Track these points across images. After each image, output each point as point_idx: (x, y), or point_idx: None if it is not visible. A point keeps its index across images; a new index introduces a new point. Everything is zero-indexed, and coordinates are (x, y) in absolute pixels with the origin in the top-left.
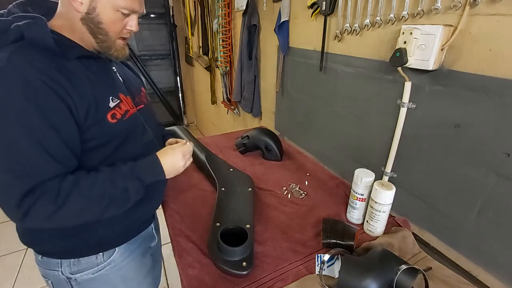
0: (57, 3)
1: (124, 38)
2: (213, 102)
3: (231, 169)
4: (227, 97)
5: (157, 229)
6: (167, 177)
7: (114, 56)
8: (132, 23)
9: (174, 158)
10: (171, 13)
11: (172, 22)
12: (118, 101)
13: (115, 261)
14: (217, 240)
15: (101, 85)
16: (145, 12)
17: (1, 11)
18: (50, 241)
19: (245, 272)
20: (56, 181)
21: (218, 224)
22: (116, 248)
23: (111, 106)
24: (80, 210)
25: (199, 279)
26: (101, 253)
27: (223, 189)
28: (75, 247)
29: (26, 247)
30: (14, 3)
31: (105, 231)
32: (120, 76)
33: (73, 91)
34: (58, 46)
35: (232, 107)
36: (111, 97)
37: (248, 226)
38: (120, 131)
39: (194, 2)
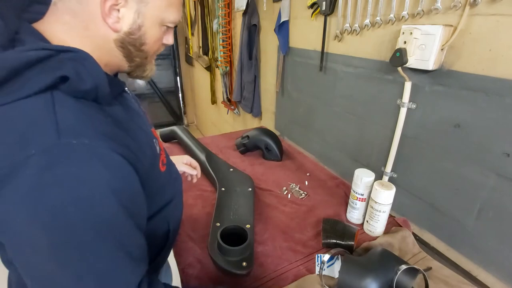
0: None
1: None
2: (213, 102)
3: (231, 169)
4: (227, 97)
5: None
6: None
7: (145, 77)
8: (170, 37)
9: None
10: None
11: None
12: (157, 140)
13: None
14: (217, 240)
15: (143, 129)
16: None
17: None
18: None
19: (245, 272)
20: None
21: (218, 224)
22: None
23: (158, 152)
24: None
25: (199, 279)
26: None
27: (223, 189)
28: None
29: None
30: None
31: None
32: (135, 112)
33: (134, 146)
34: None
35: (232, 107)
36: (154, 140)
37: (248, 226)
38: (167, 177)
39: (194, 2)
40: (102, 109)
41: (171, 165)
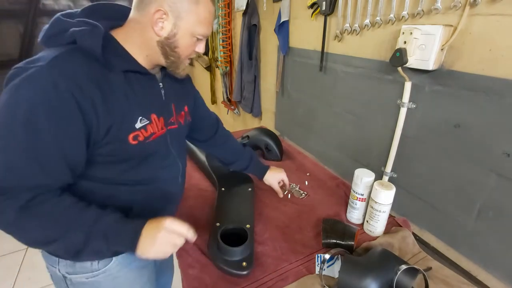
0: (128, 9)
1: (190, 58)
2: (213, 102)
3: (231, 169)
4: (227, 97)
5: None
6: (139, 254)
7: (179, 74)
8: (201, 46)
9: (158, 246)
10: None
11: None
12: (147, 122)
13: (110, 270)
14: (217, 240)
15: (135, 104)
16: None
17: (73, 10)
18: None
19: (245, 272)
20: (32, 192)
21: (218, 224)
22: (113, 258)
23: (137, 127)
24: (28, 228)
25: (199, 279)
26: (96, 261)
27: (223, 189)
28: None
29: (26, 247)
30: (87, 5)
31: None
32: (164, 93)
33: (101, 106)
34: (108, 56)
35: (232, 107)
36: (140, 118)
37: (248, 226)
38: (139, 152)
39: None
40: (99, 70)
41: (157, 149)
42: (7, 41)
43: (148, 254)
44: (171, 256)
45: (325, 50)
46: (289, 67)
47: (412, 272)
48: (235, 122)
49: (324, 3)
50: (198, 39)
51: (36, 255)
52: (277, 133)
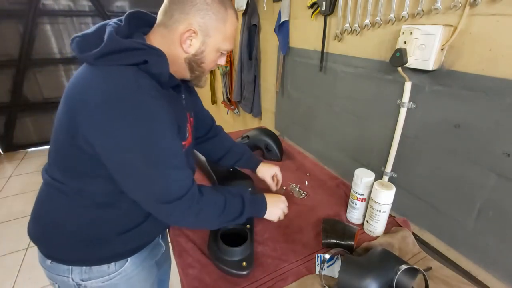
0: (153, 17)
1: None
2: (213, 102)
3: (231, 169)
4: (227, 97)
5: (164, 237)
6: (266, 216)
7: (200, 86)
8: (223, 60)
9: (276, 208)
10: None
11: None
12: (186, 134)
13: (126, 270)
14: (217, 240)
15: (177, 117)
16: None
17: (116, 21)
18: (72, 249)
19: (245, 272)
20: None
21: None
22: (129, 258)
23: (186, 137)
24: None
25: (199, 279)
26: (113, 263)
27: None
28: (90, 256)
29: (26, 247)
30: (125, 15)
31: (122, 245)
32: (185, 104)
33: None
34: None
35: (232, 107)
36: (187, 128)
37: (248, 226)
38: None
39: None
40: (159, 89)
41: (188, 155)
42: (7, 41)
43: (271, 217)
44: (169, 248)
45: (325, 50)
46: (289, 67)
47: (412, 272)
48: (235, 122)
49: (324, 3)
50: (221, 54)
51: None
52: (277, 133)
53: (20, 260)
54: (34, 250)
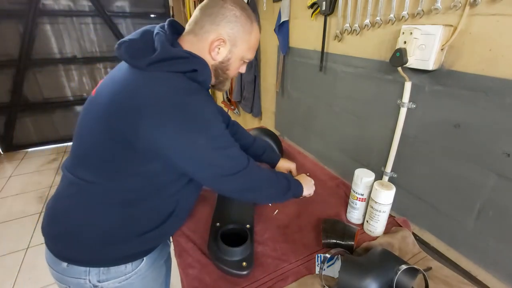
0: (182, 27)
1: None
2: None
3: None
4: (227, 97)
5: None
6: (304, 192)
7: (223, 89)
8: (244, 68)
9: (309, 186)
10: (171, 13)
11: None
12: None
13: (141, 270)
14: (217, 240)
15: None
16: None
17: (159, 28)
18: (91, 250)
19: (245, 272)
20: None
21: (218, 224)
22: (144, 258)
23: None
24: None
25: (199, 279)
26: (130, 263)
27: None
28: (109, 257)
29: (26, 247)
30: (167, 23)
31: (141, 245)
32: None
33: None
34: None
35: (232, 107)
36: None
37: (248, 226)
38: None
39: (194, 2)
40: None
41: None
42: (7, 41)
43: (307, 192)
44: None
45: (325, 50)
46: (289, 67)
47: (412, 272)
48: None
49: (324, 3)
50: (244, 62)
51: (36, 255)
52: (277, 133)
53: (20, 260)
54: (34, 250)
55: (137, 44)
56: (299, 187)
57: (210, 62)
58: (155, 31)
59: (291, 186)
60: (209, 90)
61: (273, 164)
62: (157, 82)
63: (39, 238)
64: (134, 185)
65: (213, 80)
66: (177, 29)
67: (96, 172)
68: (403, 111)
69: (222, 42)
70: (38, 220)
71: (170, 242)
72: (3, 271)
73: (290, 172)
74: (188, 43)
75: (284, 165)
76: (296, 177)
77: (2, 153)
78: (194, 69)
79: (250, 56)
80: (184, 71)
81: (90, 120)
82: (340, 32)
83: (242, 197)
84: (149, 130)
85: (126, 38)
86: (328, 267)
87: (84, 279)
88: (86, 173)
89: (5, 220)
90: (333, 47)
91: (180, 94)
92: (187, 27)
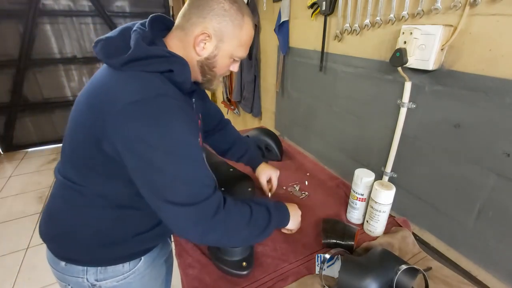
0: (172, 21)
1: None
2: (213, 102)
3: (231, 169)
4: (227, 97)
5: (170, 236)
6: (289, 226)
7: (212, 89)
8: (236, 66)
9: (295, 219)
10: (171, 13)
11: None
12: (198, 137)
13: (139, 269)
14: None
15: (195, 119)
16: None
17: (138, 24)
18: (88, 250)
19: (245, 272)
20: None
21: None
22: (142, 257)
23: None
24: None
25: (199, 279)
26: (127, 262)
27: (223, 189)
28: (106, 257)
29: (26, 247)
30: (148, 19)
31: (138, 245)
32: (195, 107)
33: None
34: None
35: (232, 107)
36: (198, 130)
37: None
38: None
39: None
40: (181, 95)
41: None
42: (7, 41)
43: (292, 226)
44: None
45: (325, 50)
46: (289, 67)
47: (412, 272)
48: (235, 122)
49: (324, 3)
50: (234, 60)
51: (36, 255)
52: (277, 133)
53: (20, 260)
54: (34, 250)
55: (114, 42)
56: (283, 219)
57: (196, 58)
58: (134, 28)
59: (272, 218)
60: (205, 90)
61: (253, 168)
62: (128, 82)
63: (39, 238)
64: (119, 190)
65: (200, 78)
66: (166, 25)
67: (79, 173)
68: (403, 111)
69: (207, 37)
70: (38, 220)
71: (171, 241)
72: (3, 271)
73: (270, 179)
74: (175, 39)
75: (265, 170)
76: (287, 204)
77: (2, 153)
78: (170, 69)
79: (241, 53)
80: (161, 71)
81: (71, 121)
82: (340, 32)
83: (213, 240)
84: (111, 134)
85: (104, 36)
86: (328, 267)
87: (82, 278)
88: (71, 174)
89: (5, 220)
90: (333, 47)
91: (147, 96)
92: (176, 20)
